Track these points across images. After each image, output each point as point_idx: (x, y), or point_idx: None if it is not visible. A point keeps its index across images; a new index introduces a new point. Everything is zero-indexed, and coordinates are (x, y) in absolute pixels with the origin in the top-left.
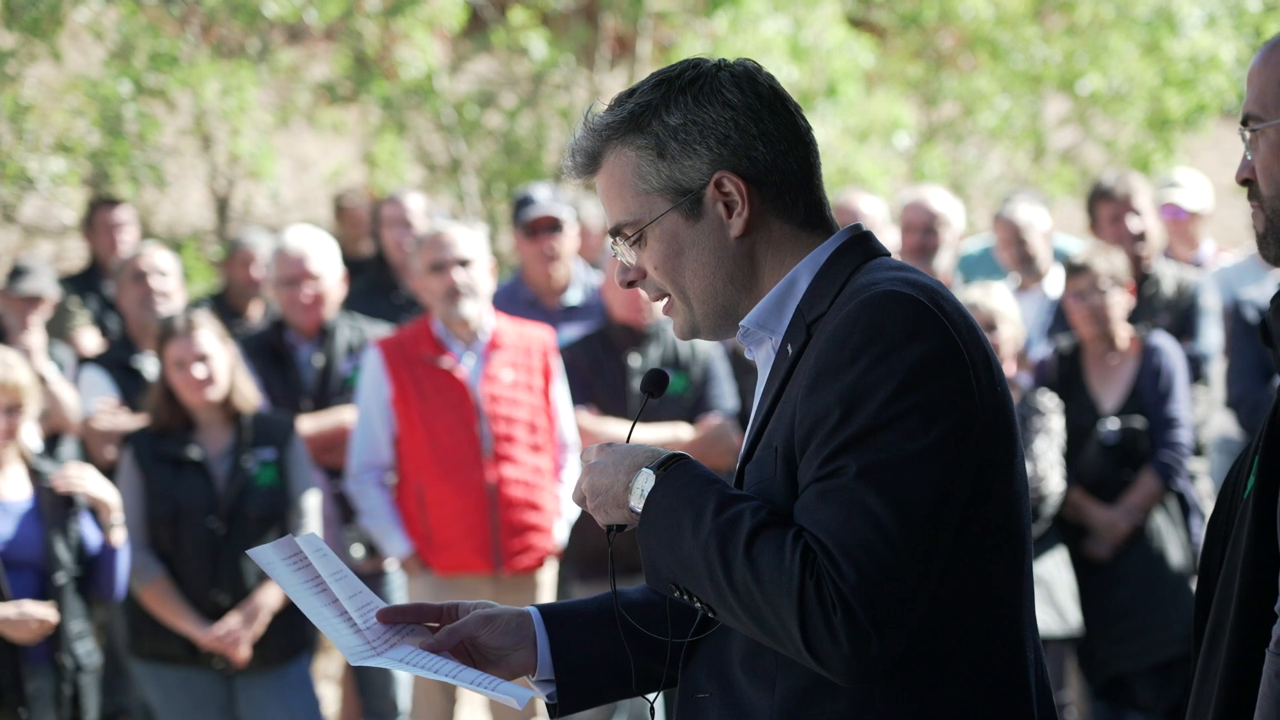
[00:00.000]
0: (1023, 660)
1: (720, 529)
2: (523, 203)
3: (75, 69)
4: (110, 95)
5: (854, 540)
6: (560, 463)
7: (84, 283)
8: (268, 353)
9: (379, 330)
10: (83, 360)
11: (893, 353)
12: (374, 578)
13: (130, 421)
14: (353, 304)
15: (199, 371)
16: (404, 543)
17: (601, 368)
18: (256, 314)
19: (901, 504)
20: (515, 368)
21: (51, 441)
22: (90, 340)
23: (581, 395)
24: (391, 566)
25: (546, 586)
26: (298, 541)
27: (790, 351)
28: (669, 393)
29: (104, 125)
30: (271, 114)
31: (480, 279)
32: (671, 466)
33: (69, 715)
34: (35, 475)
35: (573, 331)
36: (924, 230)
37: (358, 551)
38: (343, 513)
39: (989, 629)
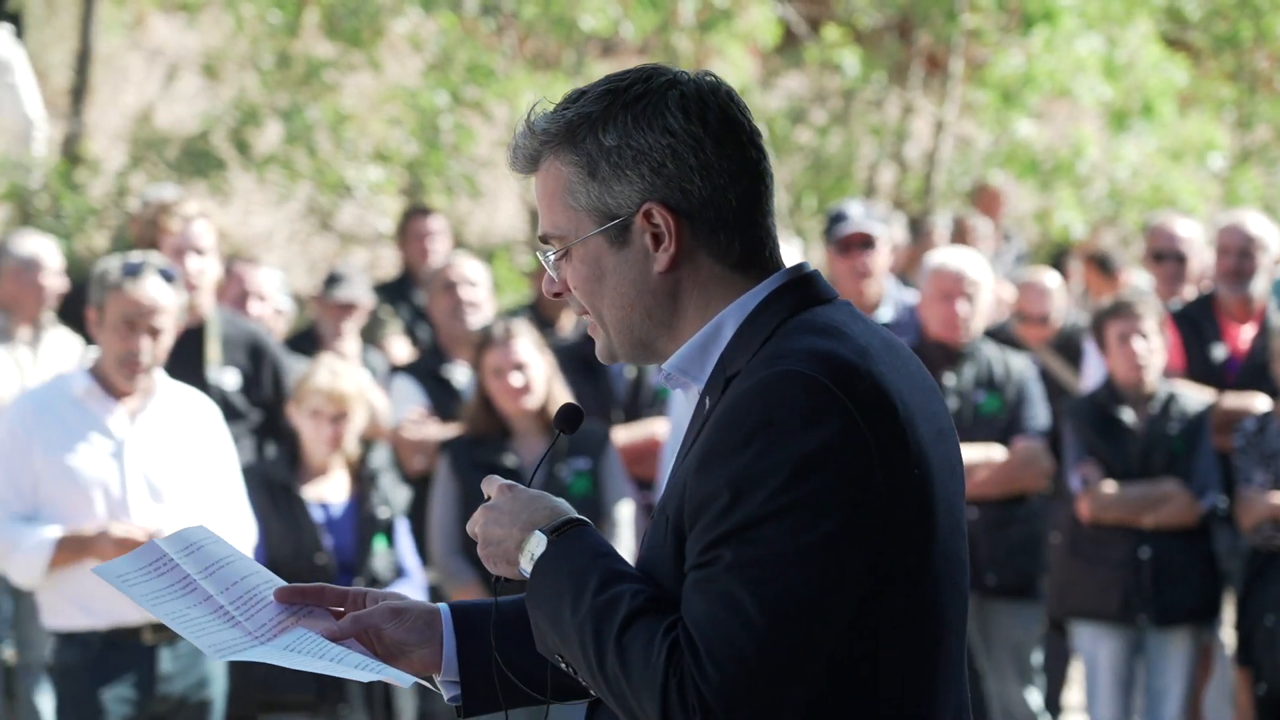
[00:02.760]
0: None
1: (597, 611)
2: (835, 219)
3: (393, 79)
4: (427, 106)
5: (719, 638)
6: None
7: (396, 291)
8: (580, 363)
9: None
10: (394, 369)
11: (785, 440)
12: None
13: (439, 431)
14: None
15: (516, 380)
16: None
17: None
18: (568, 324)
19: (774, 602)
20: None
21: (364, 447)
22: (401, 348)
23: None
24: None
25: None
26: (157, 544)
27: (708, 407)
28: (982, 413)
29: (421, 135)
30: None
31: None
32: (565, 532)
33: (382, 716)
34: (358, 481)
35: None
36: (1240, 254)
37: None
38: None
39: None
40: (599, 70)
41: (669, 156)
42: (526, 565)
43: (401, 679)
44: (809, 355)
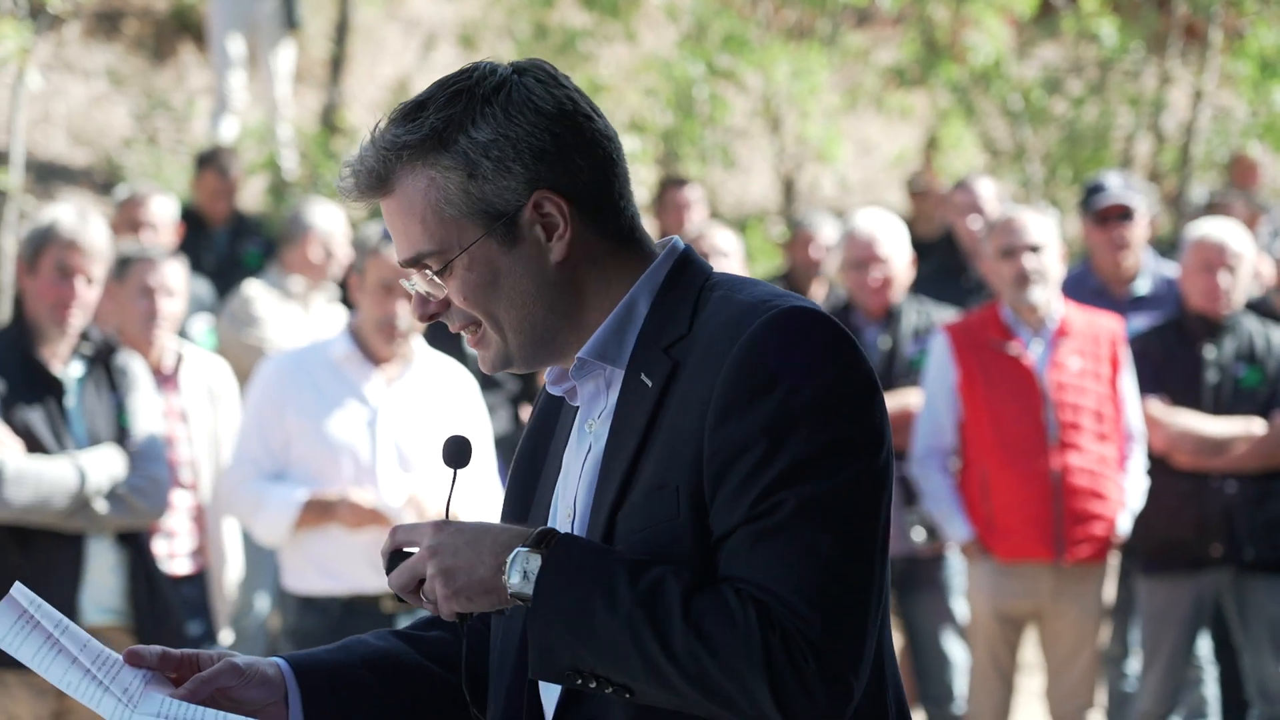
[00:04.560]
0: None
1: (644, 601)
2: (1093, 190)
3: (649, 49)
4: (682, 76)
5: (806, 581)
6: (1125, 453)
7: None
8: None
9: (945, 314)
10: None
11: (811, 376)
12: (933, 562)
13: None
14: (921, 287)
15: None
16: (965, 527)
17: (1174, 358)
18: (819, 294)
19: (846, 537)
20: (1083, 355)
21: None
22: None
23: (1151, 385)
24: (951, 551)
25: (1108, 577)
26: (15, 597)
27: (650, 382)
28: (1242, 386)
29: (676, 106)
30: (839, 97)
31: (1050, 265)
32: (551, 543)
33: None
34: None
35: (1140, 321)
36: None
37: (918, 535)
38: (904, 495)
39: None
40: (854, 41)
41: (549, 140)
42: (520, 585)
43: None
44: (791, 298)
